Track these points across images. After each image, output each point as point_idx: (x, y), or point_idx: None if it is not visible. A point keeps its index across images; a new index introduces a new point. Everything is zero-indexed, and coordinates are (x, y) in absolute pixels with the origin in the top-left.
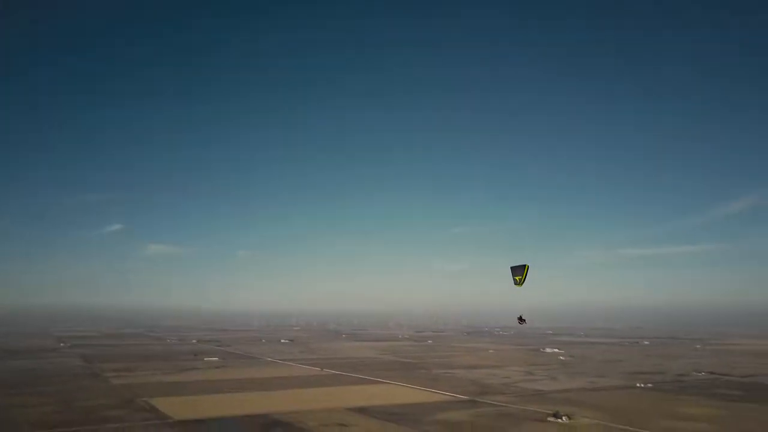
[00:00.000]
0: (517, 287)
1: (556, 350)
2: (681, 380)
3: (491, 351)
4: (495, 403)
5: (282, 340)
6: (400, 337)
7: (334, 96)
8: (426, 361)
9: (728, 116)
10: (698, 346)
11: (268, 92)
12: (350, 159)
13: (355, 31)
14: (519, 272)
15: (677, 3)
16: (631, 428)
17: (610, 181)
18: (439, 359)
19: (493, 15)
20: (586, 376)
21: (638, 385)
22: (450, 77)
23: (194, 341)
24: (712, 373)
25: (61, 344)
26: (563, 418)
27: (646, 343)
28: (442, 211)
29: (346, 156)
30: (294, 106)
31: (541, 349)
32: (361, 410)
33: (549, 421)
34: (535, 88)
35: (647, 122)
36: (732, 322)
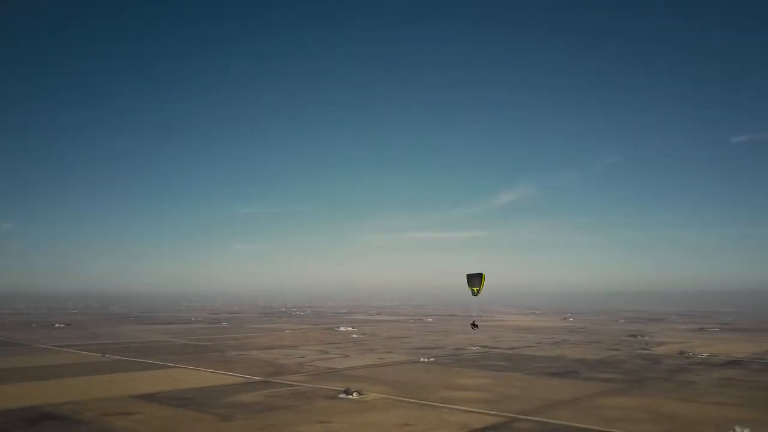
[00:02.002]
0: (473, 293)
1: (350, 329)
2: (458, 354)
3: (287, 331)
4: (289, 382)
5: (57, 325)
6: (192, 319)
7: None
8: (219, 344)
9: (497, 117)
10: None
11: None
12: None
13: None
14: (477, 282)
15: None
16: (414, 400)
17: (401, 172)
18: (234, 341)
19: None
20: (376, 353)
21: (422, 359)
22: None
23: None
24: (484, 346)
25: None
26: (354, 394)
27: (430, 320)
28: (234, 191)
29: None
30: None
31: (336, 328)
32: (148, 397)
33: (340, 397)
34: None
35: (431, 121)
36: (501, 301)
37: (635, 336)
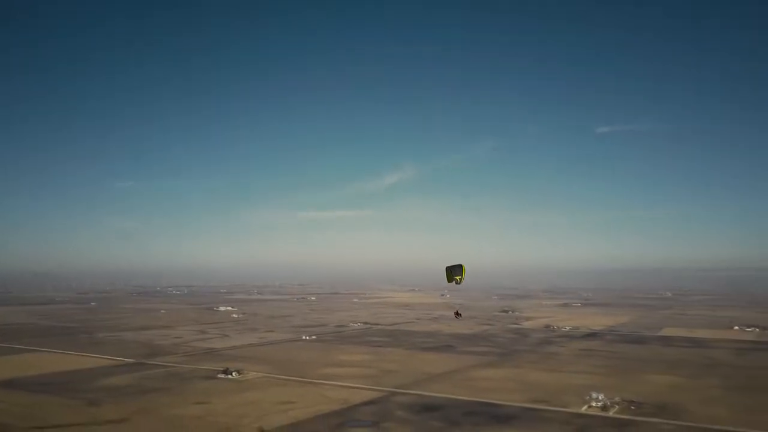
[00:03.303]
0: (456, 282)
1: (229, 308)
2: (340, 331)
3: (162, 311)
4: (164, 364)
5: None
6: (58, 299)
7: None
8: (89, 325)
9: (383, 97)
10: (356, 300)
11: None
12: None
13: None
14: (458, 272)
15: None
16: (295, 378)
17: (286, 150)
18: (104, 322)
19: None
20: (257, 332)
21: (304, 337)
22: None
23: None
24: (366, 323)
25: None
26: (233, 373)
27: (313, 298)
28: (107, 164)
29: None
30: None
31: (215, 308)
32: (8, 383)
33: (219, 378)
34: None
35: (318, 100)
36: (384, 278)
37: (506, 312)
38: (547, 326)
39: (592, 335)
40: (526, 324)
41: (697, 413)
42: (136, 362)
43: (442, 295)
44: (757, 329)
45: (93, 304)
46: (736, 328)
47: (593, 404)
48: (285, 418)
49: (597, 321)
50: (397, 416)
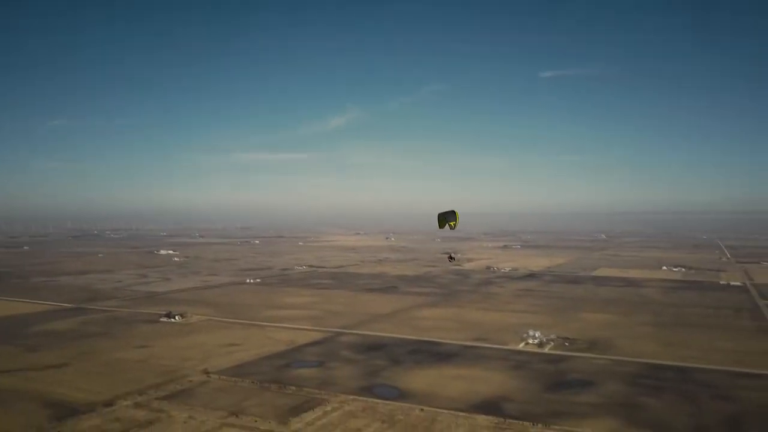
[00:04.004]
0: (450, 227)
1: (171, 252)
2: (285, 274)
3: (101, 255)
4: (105, 308)
5: None
6: None
7: None
8: (24, 270)
9: (327, 39)
10: (301, 244)
11: None
12: None
13: None
14: (452, 218)
15: None
16: (240, 320)
17: (227, 90)
18: (39, 266)
19: None
20: (200, 276)
21: (248, 281)
22: None
23: None
24: (311, 266)
25: None
26: (176, 317)
27: (257, 242)
28: (38, 100)
29: None
30: None
31: (156, 251)
32: None
33: (162, 321)
34: None
35: (262, 45)
36: (328, 222)
37: (449, 253)
38: (488, 267)
39: (530, 276)
40: (468, 265)
41: (626, 348)
42: (75, 307)
43: (387, 238)
44: (683, 269)
45: (26, 248)
46: (665, 268)
47: (530, 341)
48: (230, 360)
49: (535, 262)
50: (342, 356)
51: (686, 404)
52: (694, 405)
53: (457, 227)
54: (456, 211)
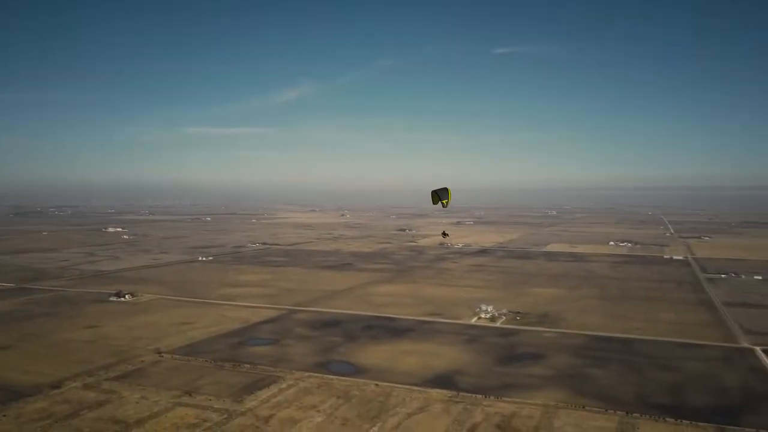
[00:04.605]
0: (442, 205)
1: (119, 229)
2: (238, 251)
3: (45, 233)
4: (50, 288)
5: None
6: None
7: None
8: None
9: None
10: (254, 221)
11: None
12: None
13: None
14: (444, 195)
15: None
16: (192, 299)
17: (174, 61)
18: None
19: None
20: (150, 254)
21: (200, 258)
22: None
23: None
24: (264, 243)
25: None
26: (126, 296)
27: (209, 219)
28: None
29: None
30: None
31: (103, 229)
32: None
33: (111, 301)
34: None
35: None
36: (282, 198)
37: (404, 230)
38: (441, 243)
39: (482, 251)
40: (422, 242)
41: (574, 321)
42: (18, 287)
43: (342, 215)
44: (629, 244)
45: None
46: (612, 243)
47: (483, 316)
48: (183, 339)
49: (488, 238)
50: (297, 333)
51: (631, 374)
52: (639, 375)
53: (449, 203)
54: (449, 188)
